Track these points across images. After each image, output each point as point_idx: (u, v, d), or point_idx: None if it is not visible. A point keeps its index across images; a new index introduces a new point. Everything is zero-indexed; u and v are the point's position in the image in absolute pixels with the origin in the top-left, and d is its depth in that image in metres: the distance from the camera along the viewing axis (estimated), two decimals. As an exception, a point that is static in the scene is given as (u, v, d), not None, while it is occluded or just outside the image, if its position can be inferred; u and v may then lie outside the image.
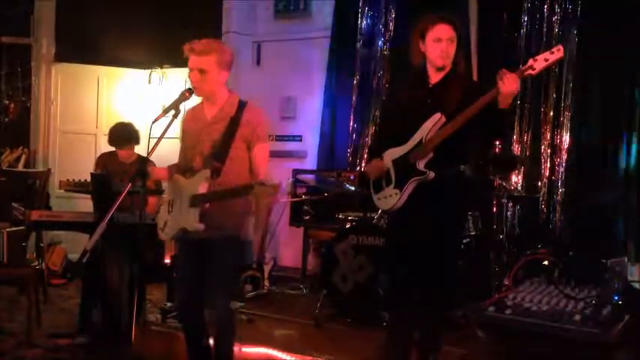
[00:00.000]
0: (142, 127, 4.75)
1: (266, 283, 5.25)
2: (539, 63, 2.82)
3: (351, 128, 6.01)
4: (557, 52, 2.80)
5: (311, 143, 6.32)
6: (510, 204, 4.80)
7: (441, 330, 3.23)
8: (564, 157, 5.02)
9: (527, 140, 5.17)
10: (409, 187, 3.11)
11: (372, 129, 5.87)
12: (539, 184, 5.08)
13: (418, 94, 3.19)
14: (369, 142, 5.88)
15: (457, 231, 3.27)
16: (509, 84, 2.79)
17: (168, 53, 6.56)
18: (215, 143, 2.94)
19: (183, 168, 3.08)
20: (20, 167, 6.40)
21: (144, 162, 2.96)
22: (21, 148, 6.53)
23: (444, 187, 3.08)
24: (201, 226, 2.79)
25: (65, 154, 6.81)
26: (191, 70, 3.00)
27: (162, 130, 2.91)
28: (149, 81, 6.85)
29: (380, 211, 4.24)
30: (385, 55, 5.86)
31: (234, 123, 2.92)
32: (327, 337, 4.07)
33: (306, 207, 5.02)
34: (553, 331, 1.92)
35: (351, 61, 6.04)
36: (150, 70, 6.82)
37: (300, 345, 3.88)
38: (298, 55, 6.40)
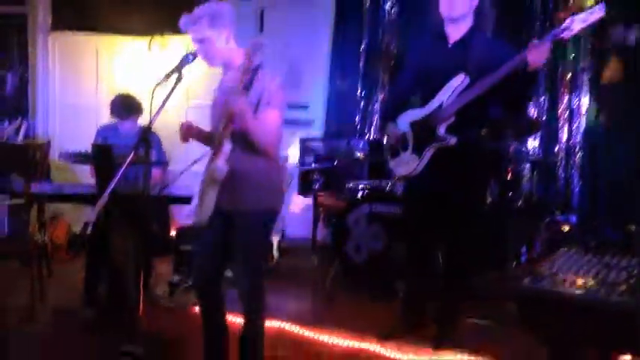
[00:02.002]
0: (143, 98, 4.56)
1: (275, 254, 5.11)
2: (576, 24, 2.62)
3: (359, 95, 5.80)
4: (598, 12, 2.61)
5: (318, 111, 6.12)
6: (527, 169, 4.63)
7: (461, 300, 3.11)
8: (583, 120, 4.83)
9: (544, 104, 4.98)
10: (428, 153, 2.95)
11: (381, 96, 5.67)
12: (557, 148, 4.90)
13: (438, 52, 3.02)
14: (379, 109, 5.70)
15: (479, 198, 3.11)
16: (538, 55, 2.62)
17: (168, 20, 6.31)
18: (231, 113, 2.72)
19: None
20: (20, 139, 6.26)
21: (146, 130, 2.79)
22: (20, 119, 6.38)
23: (465, 152, 2.92)
24: (222, 172, 2.56)
25: (65, 125, 6.62)
26: (194, 44, 2.79)
27: (165, 97, 2.73)
28: (149, 49, 6.62)
29: (394, 178, 4.07)
30: (392, 20, 5.62)
31: (247, 87, 2.72)
32: (340, 310, 3.96)
33: (315, 176, 4.84)
34: (597, 303, 1.77)
35: (358, 26, 5.81)
36: (150, 38, 6.58)
37: (314, 318, 3.76)
38: (303, 22, 6.16)
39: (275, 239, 5.20)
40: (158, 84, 2.70)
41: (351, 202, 4.27)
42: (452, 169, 2.90)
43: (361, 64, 5.79)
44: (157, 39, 6.56)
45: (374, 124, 5.68)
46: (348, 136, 5.56)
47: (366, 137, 5.61)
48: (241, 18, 6.09)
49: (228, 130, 2.62)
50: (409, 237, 3.20)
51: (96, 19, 6.53)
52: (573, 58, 4.83)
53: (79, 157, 4.00)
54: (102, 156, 3.92)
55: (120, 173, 2.61)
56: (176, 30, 6.34)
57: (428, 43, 3.10)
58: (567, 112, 4.89)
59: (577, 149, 4.84)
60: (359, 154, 4.65)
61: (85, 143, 4.27)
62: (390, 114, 3.17)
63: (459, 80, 2.87)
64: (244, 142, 2.65)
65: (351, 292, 4.22)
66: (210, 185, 2.66)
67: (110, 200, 2.61)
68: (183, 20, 2.76)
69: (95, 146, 3.99)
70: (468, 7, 2.90)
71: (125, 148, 4.08)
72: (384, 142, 3.15)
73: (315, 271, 4.79)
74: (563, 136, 4.90)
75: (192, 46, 2.82)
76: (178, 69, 2.78)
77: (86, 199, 3.95)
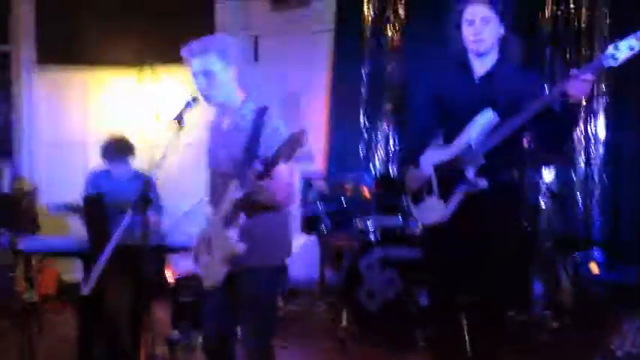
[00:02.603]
0: (134, 133, 4.30)
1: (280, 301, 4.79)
2: (622, 52, 2.36)
3: (362, 125, 5.54)
4: None
5: (318, 144, 5.84)
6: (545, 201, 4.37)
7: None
8: (600, 147, 4.60)
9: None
10: (456, 198, 2.67)
11: (384, 125, 5.42)
12: (574, 177, 4.64)
13: (462, 86, 2.75)
14: (381, 138, 5.45)
15: (514, 245, 2.81)
16: (579, 87, 2.36)
17: (158, 50, 6.08)
18: (237, 163, 2.47)
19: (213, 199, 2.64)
20: (6, 185, 5.96)
21: (146, 187, 2.52)
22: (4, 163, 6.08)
23: (497, 197, 2.64)
24: (242, 246, 2.36)
25: (53, 166, 6.29)
26: (195, 75, 2.55)
27: (167, 147, 2.49)
28: (139, 81, 6.35)
29: (419, 226, 3.80)
30: (395, 46, 5.39)
31: (255, 134, 2.46)
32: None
33: (320, 215, 4.56)
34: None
35: (358, 51, 5.57)
36: (139, 70, 6.31)
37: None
38: (299, 49, 5.92)
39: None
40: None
41: (362, 245, 3.98)
42: (483, 215, 2.63)
43: (363, 92, 5.54)
44: (147, 71, 6.30)
45: (379, 156, 5.42)
46: (353, 169, 5.30)
47: (373, 171, 5.35)
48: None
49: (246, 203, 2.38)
50: (435, 287, 2.91)
51: (81, 52, 6.25)
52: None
53: (69, 209, 3.73)
54: (93, 207, 3.64)
55: (113, 240, 2.35)
56: (166, 60, 6.23)
57: (450, 76, 2.83)
58: (584, 138, 4.65)
59: (596, 178, 4.59)
60: (366, 190, 4.37)
61: (73, 184, 4.01)
62: (410, 155, 2.89)
63: (487, 118, 2.61)
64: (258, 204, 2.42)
65: (364, 342, 3.92)
66: (224, 257, 2.41)
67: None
68: (190, 48, 2.54)
69: (86, 197, 3.71)
70: (495, 38, 2.65)
71: (119, 194, 3.87)
72: (406, 186, 2.87)
73: (324, 318, 4.48)
74: (581, 164, 4.66)
75: (191, 80, 2.57)
76: (179, 116, 2.53)
77: (78, 254, 3.68)
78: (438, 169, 2.74)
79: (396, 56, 5.38)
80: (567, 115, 2.51)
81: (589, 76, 2.38)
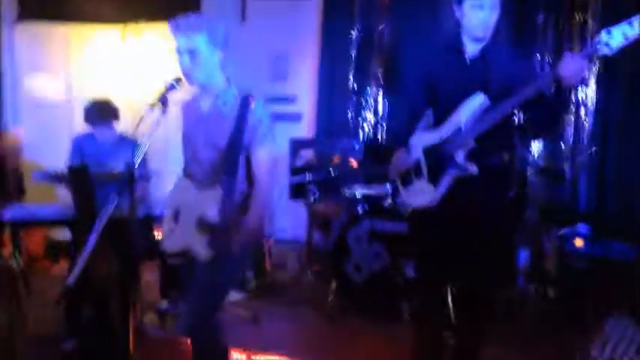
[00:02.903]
0: (119, 95, 4.20)
1: (267, 262, 4.81)
2: (615, 39, 2.30)
3: (351, 87, 5.45)
4: (638, 26, 2.27)
5: (306, 105, 5.77)
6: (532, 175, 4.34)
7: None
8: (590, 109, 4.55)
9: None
10: (446, 182, 2.66)
11: (374, 89, 5.35)
12: (563, 146, 4.62)
13: (454, 67, 2.69)
14: (371, 102, 5.38)
15: (505, 228, 2.82)
16: (574, 70, 2.32)
17: (143, 7, 5.90)
18: (220, 152, 2.44)
19: (187, 170, 2.61)
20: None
21: (130, 176, 2.47)
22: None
23: (487, 180, 2.63)
24: (208, 254, 2.37)
25: (38, 127, 6.17)
26: (179, 53, 2.47)
27: (149, 131, 2.43)
28: (123, 39, 6.18)
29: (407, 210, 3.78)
30: (386, 6, 5.25)
31: (239, 124, 2.41)
32: (342, 335, 3.70)
33: (307, 184, 4.52)
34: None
35: (349, 11, 5.42)
36: (123, 27, 6.13)
37: (316, 346, 3.51)
38: (289, 8, 5.75)
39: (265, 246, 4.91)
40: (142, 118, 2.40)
41: (352, 217, 3.97)
42: (472, 199, 2.61)
43: (353, 53, 5.42)
44: (132, 28, 6.12)
45: (368, 121, 5.36)
46: (341, 134, 5.25)
47: (362, 137, 5.30)
48: (222, 5, 5.83)
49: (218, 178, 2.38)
50: (422, 274, 2.92)
51: (64, 7, 6.06)
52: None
53: (54, 179, 3.68)
54: (78, 177, 3.60)
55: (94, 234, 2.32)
56: (151, 18, 6.03)
57: (442, 56, 2.77)
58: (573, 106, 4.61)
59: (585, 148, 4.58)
60: (354, 162, 4.33)
61: (60, 147, 3.91)
62: (399, 136, 2.85)
63: (478, 101, 2.57)
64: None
65: (350, 315, 3.95)
66: (200, 231, 2.39)
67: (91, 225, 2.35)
68: (177, 24, 2.46)
69: (70, 167, 3.65)
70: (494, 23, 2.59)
71: (104, 158, 3.81)
72: (394, 168, 2.84)
73: (313, 286, 4.50)
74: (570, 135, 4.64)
75: (174, 47, 2.50)
76: (162, 97, 2.46)
77: (65, 222, 3.65)
78: (428, 152, 2.71)
79: (387, 16, 5.23)
80: (559, 100, 2.48)
81: (583, 62, 2.34)
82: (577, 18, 4.40)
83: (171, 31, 2.49)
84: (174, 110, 2.69)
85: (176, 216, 2.57)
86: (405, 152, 2.79)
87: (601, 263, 3.66)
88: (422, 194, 2.72)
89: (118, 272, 3.63)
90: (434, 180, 2.68)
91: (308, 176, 4.49)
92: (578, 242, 3.70)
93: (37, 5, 6.06)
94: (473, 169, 2.59)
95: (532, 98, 2.47)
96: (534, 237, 4.01)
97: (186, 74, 2.49)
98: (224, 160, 2.40)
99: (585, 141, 4.57)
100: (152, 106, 2.46)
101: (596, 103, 4.53)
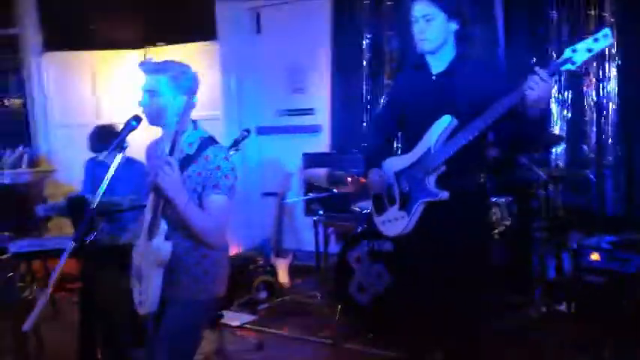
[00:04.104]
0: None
1: (285, 279, 4.73)
2: (579, 54, 2.16)
3: (364, 98, 5.31)
4: (602, 39, 2.14)
5: (325, 116, 5.67)
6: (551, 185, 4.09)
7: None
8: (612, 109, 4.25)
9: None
10: (417, 210, 2.52)
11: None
12: (586, 149, 4.34)
13: (420, 86, 2.57)
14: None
15: (481, 255, 2.65)
16: (538, 90, 2.16)
17: (162, 30, 6.00)
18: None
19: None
20: (24, 167, 6.08)
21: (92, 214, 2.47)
22: (21, 147, 6.18)
23: (461, 206, 2.48)
24: (168, 246, 2.29)
25: (69, 149, 6.36)
26: (143, 92, 2.45)
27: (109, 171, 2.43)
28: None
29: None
30: (391, 10, 5.05)
31: (187, 162, 2.36)
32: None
33: (313, 205, 4.44)
34: None
35: (359, 19, 5.27)
36: (144, 50, 6.25)
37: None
38: (302, 21, 5.68)
39: (285, 263, 4.85)
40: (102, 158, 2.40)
41: (351, 238, 3.86)
42: (446, 226, 2.47)
43: (364, 62, 5.28)
44: (152, 51, 6.23)
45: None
46: (356, 145, 5.12)
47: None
48: (236, 19, 5.83)
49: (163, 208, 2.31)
50: (403, 300, 2.80)
51: (88, 36, 6.23)
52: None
53: (57, 211, 3.76)
54: (77, 208, 3.65)
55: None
56: (170, 41, 6.12)
57: (409, 76, 2.65)
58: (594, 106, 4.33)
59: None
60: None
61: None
62: (373, 158, 2.73)
63: (445, 122, 2.43)
64: (182, 225, 2.33)
65: (358, 337, 3.83)
66: (153, 268, 2.33)
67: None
68: (144, 64, 2.46)
69: (69, 199, 3.72)
70: (443, 36, 2.45)
71: (114, 182, 3.85)
72: (371, 191, 2.72)
73: (322, 308, 4.40)
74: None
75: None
76: (121, 138, 2.45)
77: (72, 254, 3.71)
78: (399, 177, 2.59)
79: (394, 23, 5.04)
80: (531, 116, 2.30)
81: (549, 79, 2.18)
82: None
83: (140, 69, 2.48)
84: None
85: (139, 278, 2.47)
86: (380, 175, 2.66)
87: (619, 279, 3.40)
88: (395, 222, 2.60)
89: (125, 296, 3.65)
90: (406, 207, 2.55)
91: (315, 194, 4.41)
92: (595, 256, 3.45)
93: (63, 35, 6.25)
94: (443, 195, 2.45)
95: (502, 117, 2.32)
96: (543, 251, 3.80)
97: (146, 114, 2.47)
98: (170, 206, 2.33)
99: (610, 142, 4.29)
100: (115, 147, 2.46)
101: (619, 99, 4.24)
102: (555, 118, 4.40)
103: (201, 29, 5.87)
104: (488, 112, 2.32)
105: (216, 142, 2.43)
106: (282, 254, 4.85)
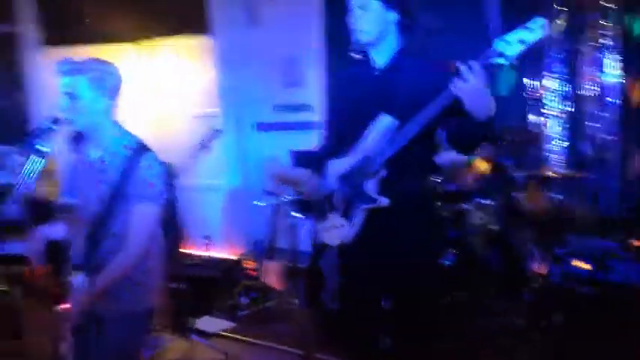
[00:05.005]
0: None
1: (276, 283, 4.52)
2: (512, 47, 1.89)
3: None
4: (537, 30, 1.87)
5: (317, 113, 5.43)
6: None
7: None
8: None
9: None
10: (358, 218, 2.30)
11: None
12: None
13: (360, 81, 2.36)
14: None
15: (426, 263, 2.38)
16: (465, 84, 1.91)
17: (155, 24, 5.87)
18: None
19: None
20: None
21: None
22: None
23: (404, 212, 2.25)
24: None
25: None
26: (61, 94, 2.29)
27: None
28: (138, 55, 6.19)
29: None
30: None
31: (126, 177, 2.20)
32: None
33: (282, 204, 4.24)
34: None
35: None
36: (138, 44, 6.13)
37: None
38: (296, 11, 5.45)
39: (276, 267, 4.63)
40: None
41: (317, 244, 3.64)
42: (391, 231, 2.24)
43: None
44: (145, 44, 6.10)
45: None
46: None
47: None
48: (229, 9, 5.64)
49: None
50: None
51: (84, 31, 6.14)
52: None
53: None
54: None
55: None
56: (164, 34, 5.98)
57: (351, 67, 2.43)
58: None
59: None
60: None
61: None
62: (314, 161, 2.51)
63: (384, 122, 2.19)
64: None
65: (330, 346, 3.61)
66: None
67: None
68: (60, 64, 2.29)
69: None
70: (380, 27, 2.21)
71: None
72: (311, 198, 2.50)
73: (302, 314, 4.19)
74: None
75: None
76: (31, 146, 2.28)
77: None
78: (339, 182, 2.36)
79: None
80: (474, 114, 2.04)
81: (479, 74, 1.91)
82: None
83: (57, 69, 2.32)
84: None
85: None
86: (319, 180, 2.44)
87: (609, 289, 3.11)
88: (336, 230, 2.38)
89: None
90: (346, 215, 2.33)
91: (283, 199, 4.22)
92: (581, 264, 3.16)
93: (59, 31, 6.18)
94: (383, 201, 2.22)
95: (438, 117, 2.07)
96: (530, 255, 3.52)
97: (66, 118, 2.30)
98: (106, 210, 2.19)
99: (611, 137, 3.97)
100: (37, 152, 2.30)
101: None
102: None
103: (193, 22, 5.71)
104: (423, 113, 2.08)
105: (144, 148, 2.29)
106: (275, 256, 4.65)
